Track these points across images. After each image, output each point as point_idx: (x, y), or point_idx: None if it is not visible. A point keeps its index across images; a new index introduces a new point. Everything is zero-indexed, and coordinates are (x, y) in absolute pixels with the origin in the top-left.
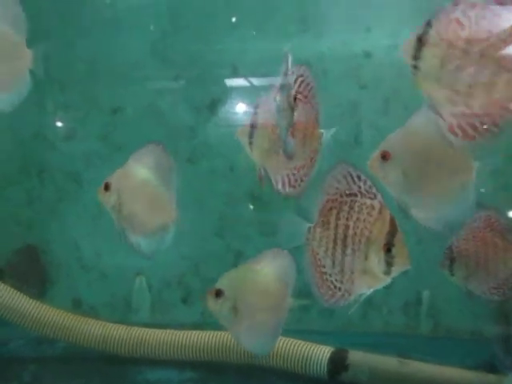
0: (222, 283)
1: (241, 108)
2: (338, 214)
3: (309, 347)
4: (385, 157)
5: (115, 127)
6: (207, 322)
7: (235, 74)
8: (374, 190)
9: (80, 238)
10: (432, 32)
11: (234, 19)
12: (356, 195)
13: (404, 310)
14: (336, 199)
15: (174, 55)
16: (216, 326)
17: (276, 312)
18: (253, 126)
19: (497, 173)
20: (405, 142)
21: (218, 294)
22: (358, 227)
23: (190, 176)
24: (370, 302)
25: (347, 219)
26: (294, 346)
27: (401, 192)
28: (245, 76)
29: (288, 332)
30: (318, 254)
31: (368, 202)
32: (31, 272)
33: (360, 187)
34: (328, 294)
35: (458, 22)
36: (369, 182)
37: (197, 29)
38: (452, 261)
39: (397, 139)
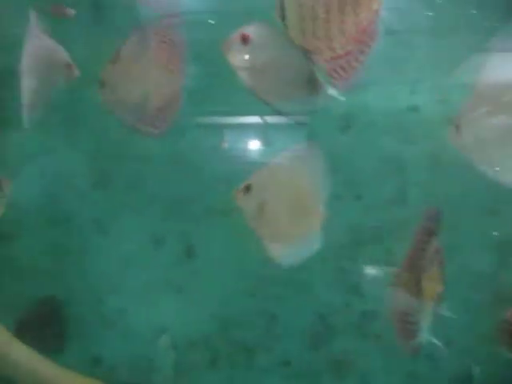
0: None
1: None
2: None
3: None
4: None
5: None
6: None
7: None
8: None
9: (103, 292)
10: None
11: None
12: None
13: None
14: None
15: None
16: None
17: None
18: None
19: None
20: (266, 177)
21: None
22: None
23: None
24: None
25: None
26: None
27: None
28: None
29: None
30: None
31: None
32: (51, 325)
33: None
34: None
35: None
36: None
37: None
38: (511, 335)
39: (260, 174)
